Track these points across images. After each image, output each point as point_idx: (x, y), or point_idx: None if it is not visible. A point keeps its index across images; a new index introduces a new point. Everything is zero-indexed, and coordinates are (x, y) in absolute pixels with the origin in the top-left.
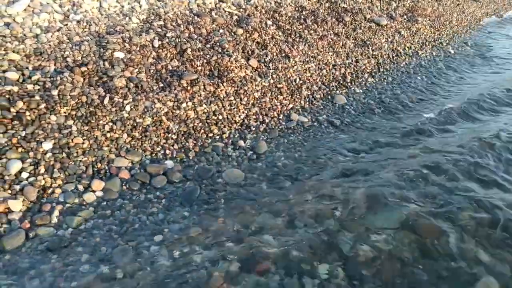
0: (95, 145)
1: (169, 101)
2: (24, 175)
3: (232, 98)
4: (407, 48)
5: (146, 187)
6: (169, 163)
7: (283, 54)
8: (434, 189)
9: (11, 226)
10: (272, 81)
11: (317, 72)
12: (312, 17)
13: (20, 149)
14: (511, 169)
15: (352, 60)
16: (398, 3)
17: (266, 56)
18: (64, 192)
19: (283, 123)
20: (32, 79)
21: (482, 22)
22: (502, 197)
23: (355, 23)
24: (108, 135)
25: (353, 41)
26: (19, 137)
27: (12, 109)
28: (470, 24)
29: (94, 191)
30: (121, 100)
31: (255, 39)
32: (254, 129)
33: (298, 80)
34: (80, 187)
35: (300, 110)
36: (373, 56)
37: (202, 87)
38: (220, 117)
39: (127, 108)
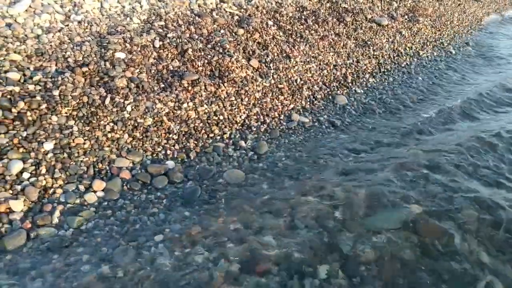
0: (96, 146)
1: (170, 101)
2: (25, 175)
3: (233, 98)
4: (408, 48)
5: (147, 187)
6: (170, 164)
7: (284, 55)
8: (435, 189)
9: (12, 226)
10: (273, 81)
11: (318, 73)
12: (313, 17)
13: (21, 150)
14: None
15: (353, 60)
16: (399, 3)
17: (267, 57)
18: (65, 192)
19: (284, 124)
20: (34, 79)
21: (483, 22)
22: (504, 197)
23: (356, 23)
24: (109, 135)
25: (354, 41)
26: (20, 137)
27: (13, 110)
28: (471, 24)
29: (95, 191)
30: (122, 100)
31: (256, 39)
32: (255, 129)
33: (299, 80)
34: (81, 187)
35: (301, 110)
36: (374, 56)
37: (203, 87)
38: (221, 117)
39: (128, 108)
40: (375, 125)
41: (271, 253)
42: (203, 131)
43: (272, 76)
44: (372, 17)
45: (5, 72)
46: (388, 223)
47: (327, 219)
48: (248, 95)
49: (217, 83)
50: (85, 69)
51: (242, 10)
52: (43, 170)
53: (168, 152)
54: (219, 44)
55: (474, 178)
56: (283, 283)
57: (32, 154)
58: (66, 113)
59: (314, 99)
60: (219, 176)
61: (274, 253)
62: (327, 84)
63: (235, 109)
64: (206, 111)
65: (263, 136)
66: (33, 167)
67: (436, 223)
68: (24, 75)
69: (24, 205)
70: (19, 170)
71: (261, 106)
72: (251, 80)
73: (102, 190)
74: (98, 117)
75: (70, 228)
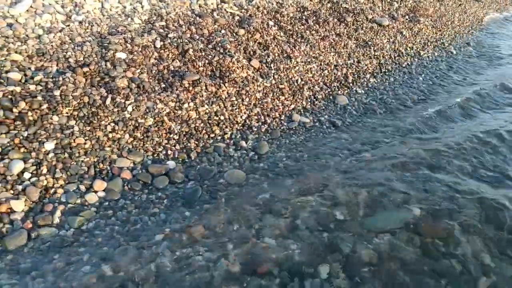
0: (97, 146)
1: (171, 101)
2: (26, 175)
3: (234, 98)
4: (409, 49)
5: (148, 188)
6: (171, 164)
7: (285, 55)
8: (436, 188)
9: (13, 226)
10: (273, 81)
11: (319, 73)
12: (314, 18)
13: (22, 149)
14: None
15: (353, 61)
16: (400, 4)
17: (268, 57)
18: (66, 192)
19: (285, 124)
20: (35, 79)
21: (484, 22)
22: (507, 196)
23: (357, 24)
24: (110, 135)
25: (354, 41)
26: (21, 137)
27: (14, 110)
28: (472, 24)
29: (96, 192)
30: (123, 100)
31: (257, 39)
32: (255, 129)
33: (299, 80)
34: (82, 188)
35: (301, 110)
36: (375, 56)
37: (204, 87)
38: (222, 117)
39: (129, 108)
40: (376, 125)
41: (272, 254)
42: (204, 131)
43: (273, 76)
44: (373, 17)
45: (6, 72)
46: (389, 223)
47: (328, 219)
48: (249, 95)
49: (218, 83)
50: (86, 69)
51: (243, 10)
52: (44, 170)
53: (169, 152)
54: (220, 44)
55: (475, 178)
56: (284, 284)
57: (33, 154)
58: (67, 113)
59: (315, 99)
60: (220, 176)
61: (275, 254)
62: (328, 84)
63: (236, 109)
64: (207, 111)
65: (264, 136)
66: (34, 167)
67: (437, 223)
68: (25, 75)
69: (25, 205)
70: (20, 170)
71: (262, 106)
72: (252, 80)
73: (103, 190)
74: (99, 117)
75: (71, 228)
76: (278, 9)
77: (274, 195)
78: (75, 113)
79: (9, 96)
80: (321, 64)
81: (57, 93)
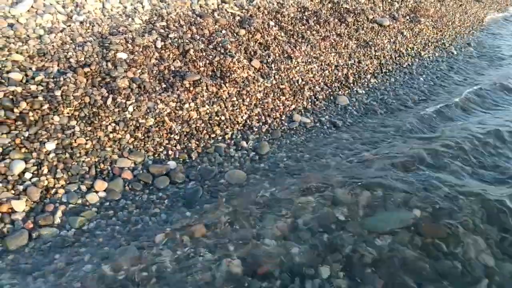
0: (98, 146)
1: (171, 101)
2: (27, 175)
3: (234, 98)
4: (409, 49)
5: (149, 188)
6: (172, 164)
7: (286, 55)
8: (437, 188)
9: (15, 227)
10: (274, 81)
11: (320, 73)
12: (315, 18)
13: (23, 150)
14: None
15: (354, 61)
16: (401, 4)
17: (269, 57)
18: (67, 192)
19: (286, 124)
20: (36, 79)
21: (485, 22)
22: (508, 196)
23: (358, 24)
24: (111, 135)
25: (355, 41)
26: (22, 137)
27: (15, 110)
28: (473, 24)
29: (97, 192)
30: (124, 100)
31: (258, 40)
32: (256, 129)
33: (300, 81)
34: (83, 188)
35: (302, 111)
36: (376, 56)
37: (204, 87)
38: (223, 117)
39: (130, 108)
40: (376, 125)
41: (273, 254)
42: (204, 131)
43: (274, 76)
44: (373, 17)
45: (7, 72)
46: (389, 223)
47: (329, 220)
48: (250, 96)
49: (218, 83)
50: (87, 69)
51: (244, 10)
52: (45, 170)
53: (170, 152)
54: (220, 44)
55: (476, 178)
56: (284, 285)
57: (34, 154)
58: (68, 113)
59: (315, 99)
60: (220, 177)
61: (275, 254)
62: (328, 84)
63: (236, 109)
64: (208, 111)
65: (265, 137)
66: (35, 167)
67: (437, 223)
68: (26, 75)
69: (26, 205)
70: (21, 170)
71: (262, 106)
72: (252, 80)
73: (104, 191)
74: (100, 117)
75: (72, 228)
76: (279, 9)
77: (274, 195)
78: (76, 113)
79: (10, 96)
80: (321, 64)
81: (58, 93)
